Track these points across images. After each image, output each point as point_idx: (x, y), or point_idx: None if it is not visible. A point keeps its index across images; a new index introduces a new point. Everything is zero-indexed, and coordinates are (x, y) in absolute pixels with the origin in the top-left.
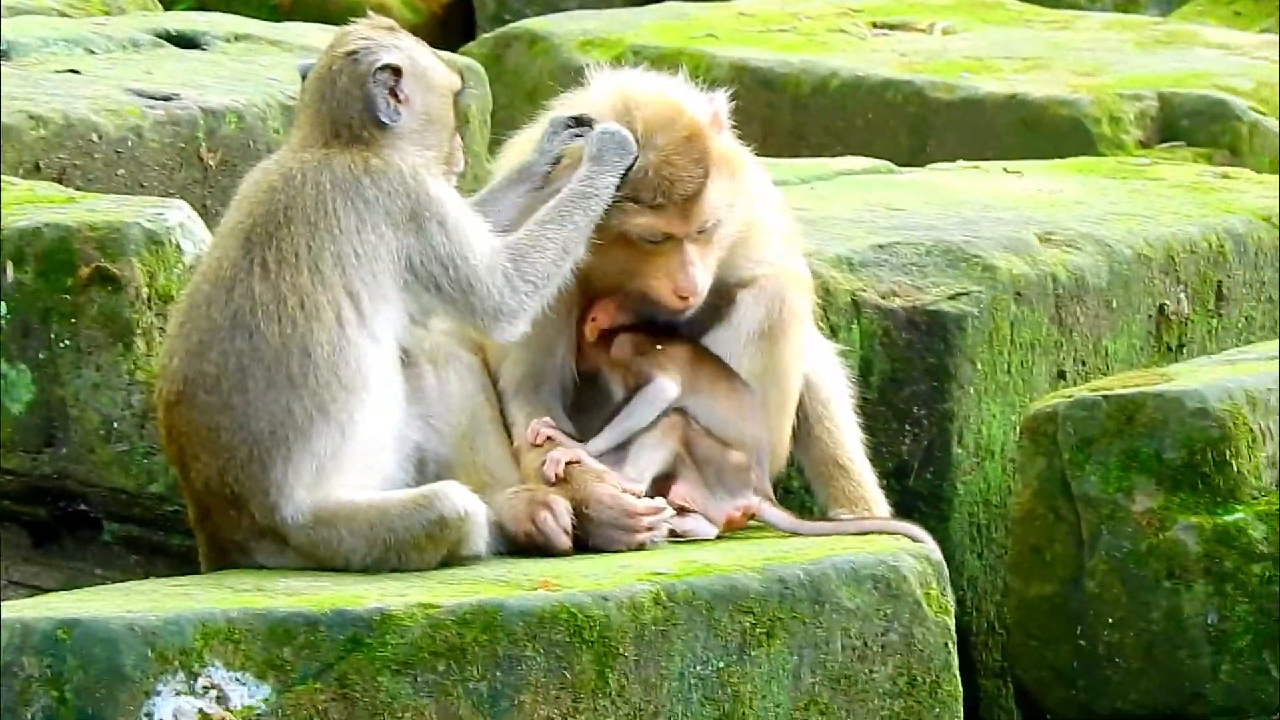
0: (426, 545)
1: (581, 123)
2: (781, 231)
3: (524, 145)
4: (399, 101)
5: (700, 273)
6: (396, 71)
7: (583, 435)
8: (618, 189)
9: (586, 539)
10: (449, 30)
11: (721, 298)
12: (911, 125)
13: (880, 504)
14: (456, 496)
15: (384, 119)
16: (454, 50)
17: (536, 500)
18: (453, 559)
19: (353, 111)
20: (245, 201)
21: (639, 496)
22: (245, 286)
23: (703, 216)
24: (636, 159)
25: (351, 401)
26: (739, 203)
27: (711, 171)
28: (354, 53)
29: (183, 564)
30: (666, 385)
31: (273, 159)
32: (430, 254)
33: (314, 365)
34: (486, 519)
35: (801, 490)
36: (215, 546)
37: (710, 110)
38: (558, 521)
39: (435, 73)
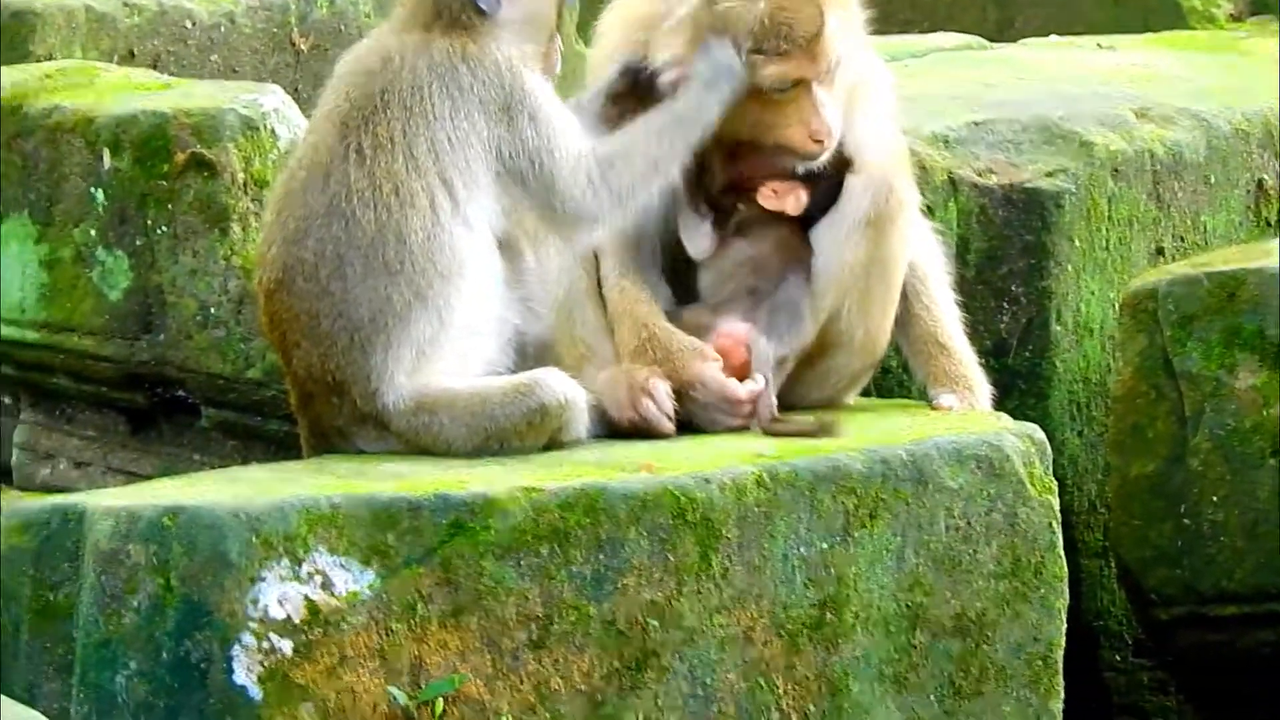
0: (527, 433)
1: None
2: (887, 91)
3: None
4: None
5: (831, 113)
6: None
7: (680, 298)
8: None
9: (689, 419)
10: None
11: (832, 174)
12: (998, 0)
13: (981, 382)
14: (556, 384)
15: (484, 6)
16: None
17: (637, 386)
18: (553, 445)
19: None
20: (342, 84)
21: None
22: (341, 172)
23: (828, 53)
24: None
25: (448, 288)
26: (854, 38)
27: (824, 5)
28: None
29: (280, 449)
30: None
31: (371, 39)
32: (519, 147)
33: (409, 252)
34: (587, 404)
35: (900, 369)
36: (317, 432)
37: None
38: (660, 407)
39: None
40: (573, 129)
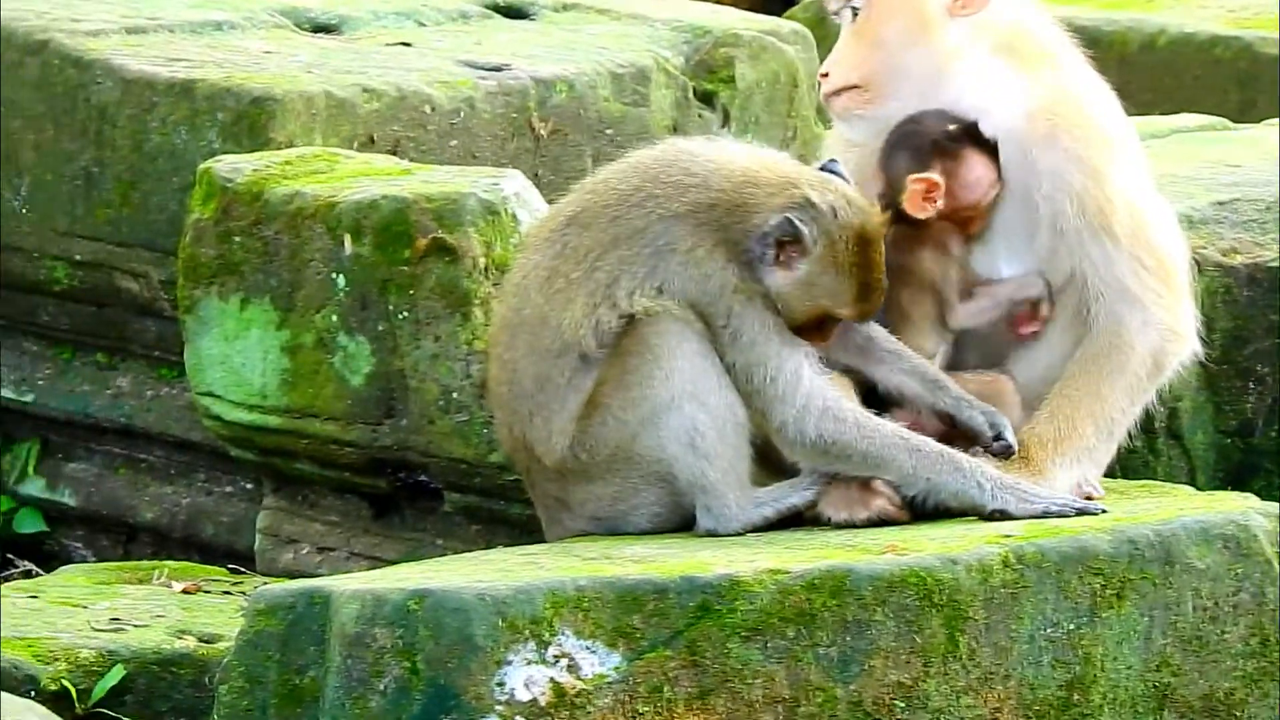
0: None
1: None
2: (1102, 117)
3: None
4: (778, 260)
5: (834, 59)
6: (798, 243)
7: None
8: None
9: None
10: None
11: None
12: (1240, 81)
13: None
14: None
15: (754, 250)
16: (778, 16)
17: (866, 488)
18: None
19: (750, 224)
20: (614, 176)
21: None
22: (542, 254)
23: None
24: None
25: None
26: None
27: None
28: (809, 204)
29: (523, 533)
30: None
31: (685, 154)
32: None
33: (561, 337)
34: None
35: (1145, 450)
36: (540, 500)
37: None
38: (891, 500)
39: (828, 293)
40: (791, 363)
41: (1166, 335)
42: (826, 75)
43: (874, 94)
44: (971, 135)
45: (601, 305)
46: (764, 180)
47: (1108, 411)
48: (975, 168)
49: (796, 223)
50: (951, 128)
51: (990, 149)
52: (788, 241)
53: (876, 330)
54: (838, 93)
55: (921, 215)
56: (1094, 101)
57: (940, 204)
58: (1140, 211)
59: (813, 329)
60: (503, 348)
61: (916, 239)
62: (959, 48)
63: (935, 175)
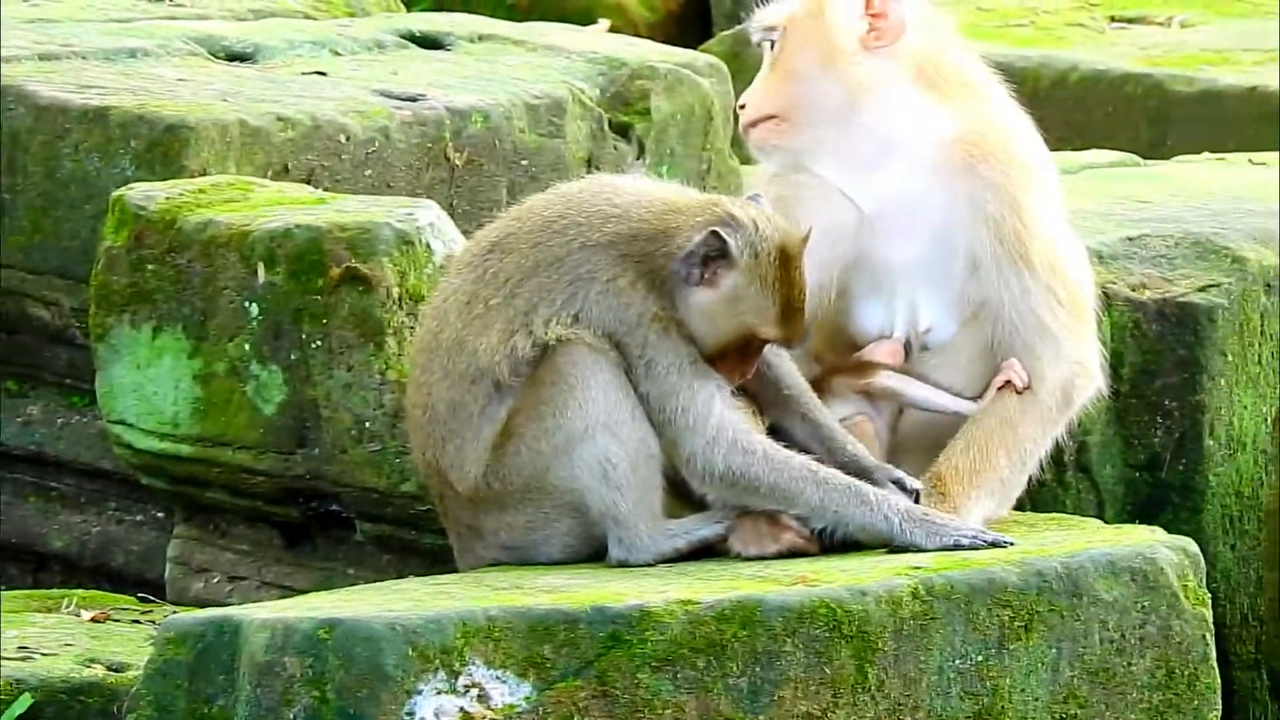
0: None
1: None
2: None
3: None
4: (704, 279)
5: (752, 90)
6: (725, 257)
7: None
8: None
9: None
10: (686, 28)
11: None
12: (1151, 118)
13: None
14: None
15: (679, 270)
16: (694, 48)
17: (775, 522)
18: None
19: (674, 246)
20: (539, 204)
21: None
22: (463, 279)
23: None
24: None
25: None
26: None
27: None
28: (732, 218)
29: (435, 563)
30: None
31: (609, 187)
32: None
33: (477, 365)
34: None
35: (1054, 483)
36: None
37: None
38: (799, 533)
39: (753, 309)
40: (703, 395)
41: (1076, 369)
42: (744, 106)
43: (789, 125)
44: None
45: (518, 332)
46: (685, 206)
47: (1020, 441)
48: None
49: (723, 234)
50: None
51: None
52: (714, 257)
53: (785, 376)
54: (755, 123)
55: None
56: (1013, 132)
57: None
58: (1055, 243)
59: (735, 356)
60: (420, 370)
61: None
62: (874, 79)
63: None
